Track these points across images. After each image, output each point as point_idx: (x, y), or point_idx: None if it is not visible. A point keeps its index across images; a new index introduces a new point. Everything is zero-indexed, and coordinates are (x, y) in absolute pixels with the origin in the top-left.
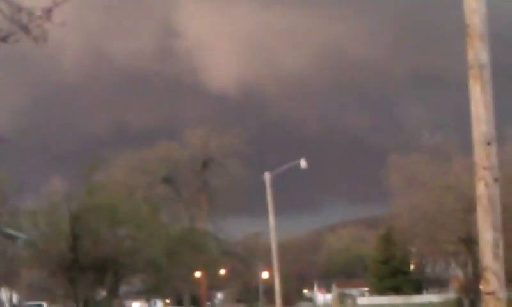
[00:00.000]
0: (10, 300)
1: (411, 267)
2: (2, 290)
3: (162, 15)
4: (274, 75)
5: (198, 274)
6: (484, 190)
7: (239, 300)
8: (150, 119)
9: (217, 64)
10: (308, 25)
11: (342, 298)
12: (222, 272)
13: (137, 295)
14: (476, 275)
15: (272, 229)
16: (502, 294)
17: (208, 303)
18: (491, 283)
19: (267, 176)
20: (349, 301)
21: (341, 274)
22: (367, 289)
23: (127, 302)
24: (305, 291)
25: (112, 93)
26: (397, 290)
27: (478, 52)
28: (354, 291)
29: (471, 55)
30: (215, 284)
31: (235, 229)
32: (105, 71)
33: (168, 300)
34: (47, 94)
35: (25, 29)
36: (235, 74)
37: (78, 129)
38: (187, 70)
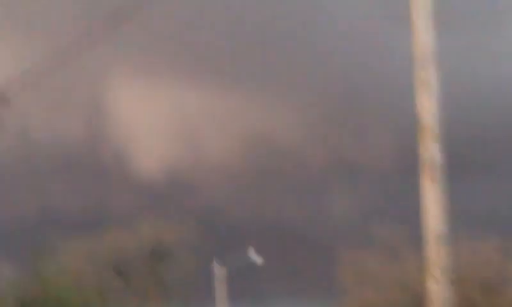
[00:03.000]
0: None
1: None
2: None
3: (91, 98)
4: (201, 160)
5: None
6: (435, 288)
7: None
8: (78, 205)
9: (145, 148)
10: (235, 109)
11: None
12: None
13: None
14: None
15: None
16: None
17: None
18: None
19: (217, 269)
20: None
21: None
22: None
23: None
24: None
25: (40, 177)
26: None
27: (430, 150)
28: None
29: (423, 153)
30: None
31: None
32: (31, 153)
33: None
34: None
35: None
36: (162, 158)
37: (4, 212)
38: (114, 153)
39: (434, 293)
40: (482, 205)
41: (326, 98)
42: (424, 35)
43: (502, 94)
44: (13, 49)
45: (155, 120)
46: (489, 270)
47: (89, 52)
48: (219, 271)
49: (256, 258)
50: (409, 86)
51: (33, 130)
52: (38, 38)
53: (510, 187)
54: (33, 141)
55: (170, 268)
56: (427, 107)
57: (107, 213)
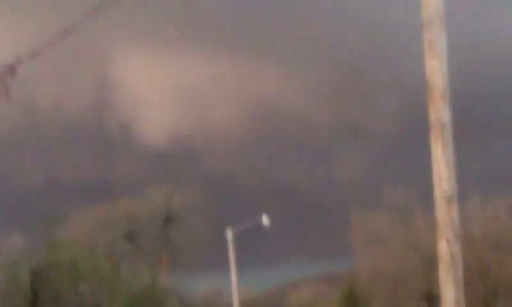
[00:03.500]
0: None
1: None
2: None
3: (96, 68)
4: (205, 126)
5: None
6: (446, 247)
7: None
8: (84, 174)
9: (151, 117)
10: (239, 76)
11: None
12: None
13: None
14: None
15: (235, 287)
16: None
17: None
18: None
19: (229, 233)
20: None
21: None
22: None
23: None
24: None
25: (45, 147)
26: None
27: (439, 112)
28: None
29: (432, 115)
30: None
31: (196, 286)
32: (37, 124)
33: None
34: None
35: None
36: (167, 125)
37: (11, 183)
38: (120, 123)
39: (444, 253)
40: (492, 164)
41: (329, 63)
42: None
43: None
44: (20, 23)
45: (160, 88)
46: (499, 228)
47: (94, 22)
48: (230, 236)
49: (267, 223)
50: (413, 49)
51: (39, 100)
52: (44, 11)
53: None
54: (40, 111)
55: (181, 233)
56: (436, 68)
57: (114, 181)
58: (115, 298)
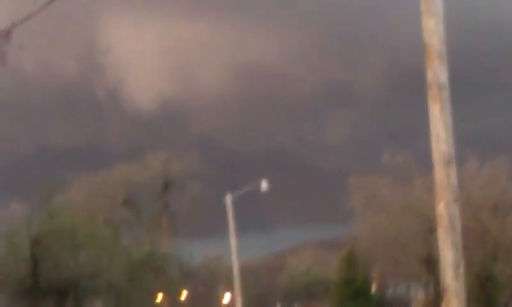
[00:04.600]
0: None
1: (373, 288)
2: None
3: (84, 31)
4: (193, 90)
5: (159, 297)
6: (444, 210)
7: None
8: (73, 138)
9: (138, 81)
10: (226, 40)
11: None
12: (184, 295)
13: None
14: (437, 296)
15: (234, 252)
16: None
17: None
18: (452, 303)
19: (228, 198)
20: None
21: (303, 296)
22: None
23: None
24: None
25: (34, 111)
26: None
27: (437, 72)
28: None
29: (430, 75)
30: None
31: (196, 252)
32: (24, 88)
33: None
34: None
35: None
36: (156, 90)
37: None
38: (109, 86)
39: (443, 216)
40: (490, 125)
41: (316, 24)
42: None
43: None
44: None
45: (147, 54)
46: (498, 191)
47: None
48: (229, 201)
49: (266, 188)
50: (401, 9)
51: (28, 66)
52: None
53: None
54: (28, 77)
55: (179, 198)
56: (432, 28)
57: (105, 146)
58: (115, 265)
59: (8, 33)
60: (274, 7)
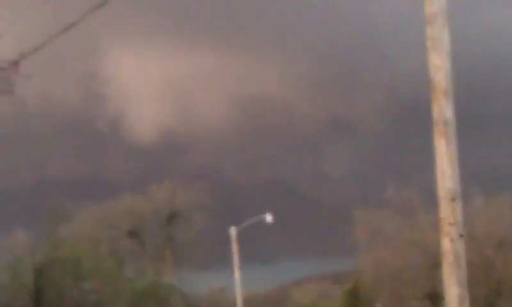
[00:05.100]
0: None
1: None
2: None
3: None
4: (193, 121)
5: None
6: (450, 246)
7: None
8: (75, 168)
9: (139, 112)
10: (226, 70)
11: None
12: None
13: None
14: None
15: (238, 285)
16: None
17: None
18: None
19: (232, 231)
20: None
21: None
22: None
23: None
24: None
25: (35, 141)
26: None
27: (442, 108)
28: None
29: (436, 111)
30: None
31: (199, 283)
32: (26, 118)
33: None
34: None
35: None
36: (156, 121)
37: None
38: (111, 117)
39: (448, 252)
40: (495, 162)
41: (317, 57)
42: None
43: None
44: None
45: (149, 85)
46: (503, 226)
47: (83, 20)
48: (234, 233)
49: (270, 220)
50: (404, 44)
51: (30, 96)
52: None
53: None
54: (30, 107)
55: (184, 231)
56: (439, 65)
57: (106, 177)
58: (118, 296)
59: (16, 63)
60: (277, 41)
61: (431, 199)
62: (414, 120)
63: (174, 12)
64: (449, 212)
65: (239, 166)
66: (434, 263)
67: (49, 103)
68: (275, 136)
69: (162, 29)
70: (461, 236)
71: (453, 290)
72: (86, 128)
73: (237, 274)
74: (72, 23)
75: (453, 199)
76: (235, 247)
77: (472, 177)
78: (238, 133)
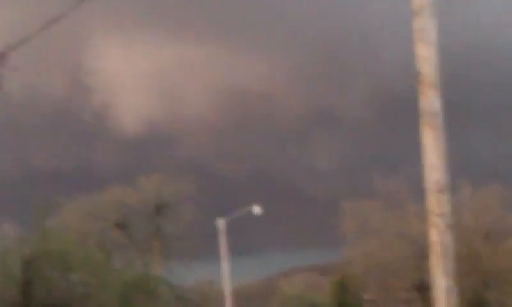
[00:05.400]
0: None
1: None
2: None
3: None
4: (180, 113)
5: None
6: (437, 237)
7: None
8: (61, 160)
9: (125, 103)
10: (213, 62)
11: None
12: None
13: None
14: None
15: (226, 277)
16: None
17: None
18: None
19: (221, 223)
20: None
21: None
22: None
23: None
24: None
25: (19, 133)
26: None
27: (430, 100)
28: None
29: (423, 103)
30: None
31: (187, 275)
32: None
33: None
34: None
35: None
36: (142, 113)
37: None
38: (96, 109)
39: (436, 243)
40: (483, 153)
41: (305, 48)
42: None
43: (502, 43)
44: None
45: (135, 76)
46: (491, 217)
47: (68, 11)
48: (222, 225)
49: (259, 212)
50: (391, 35)
51: (14, 88)
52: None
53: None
54: (15, 99)
55: (171, 221)
56: (426, 57)
57: (93, 169)
58: (107, 288)
59: (3, 56)
60: (262, 31)
61: (418, 191)
62: (401, 112)
63: (160, 3)
64: (437, 203)
65: (227, 158)
66: (422, 255)
67: (35, 95)
68: (263, 128)
69: (148, 20)
70: (449, 227)
71: (441, 281)
72: (72, 120)
73: (224, 266)
74: (60, 15)
75: (441, 191)
76: (223, 239)
77: (460, 168)
78: (226, 125)
